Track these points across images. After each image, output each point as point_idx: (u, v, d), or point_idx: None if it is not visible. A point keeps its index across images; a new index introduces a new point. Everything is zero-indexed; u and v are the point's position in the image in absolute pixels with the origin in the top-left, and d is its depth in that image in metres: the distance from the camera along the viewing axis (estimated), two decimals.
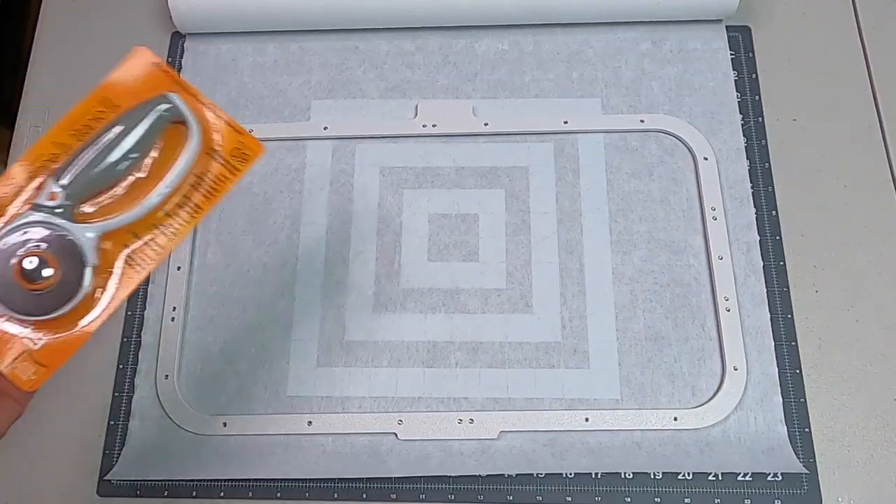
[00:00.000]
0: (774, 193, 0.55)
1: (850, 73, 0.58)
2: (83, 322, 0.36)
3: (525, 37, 0.60)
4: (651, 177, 0.55)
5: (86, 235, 0.36)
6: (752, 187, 0.55)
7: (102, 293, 0.37)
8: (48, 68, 0.62)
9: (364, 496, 0.48)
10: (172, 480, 0.49)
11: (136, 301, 0.53)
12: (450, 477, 0.48)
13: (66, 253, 0.36)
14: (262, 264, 0.54)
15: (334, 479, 0.48)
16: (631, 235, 0.54)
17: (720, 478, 0.48)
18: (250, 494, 0.49)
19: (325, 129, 0.57)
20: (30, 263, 0.35)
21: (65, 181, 0.36)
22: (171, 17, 0.58)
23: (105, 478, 0.49)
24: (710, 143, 0.56)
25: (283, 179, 0.56)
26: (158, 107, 0.37)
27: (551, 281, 0.53)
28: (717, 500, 0.47)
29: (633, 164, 0.56)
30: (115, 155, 0.37)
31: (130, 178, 0.37)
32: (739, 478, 0.48)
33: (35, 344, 0.36)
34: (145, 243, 0.37)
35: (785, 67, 0.59)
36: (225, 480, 0.49)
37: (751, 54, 0.59)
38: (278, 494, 0.49)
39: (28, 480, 0.50)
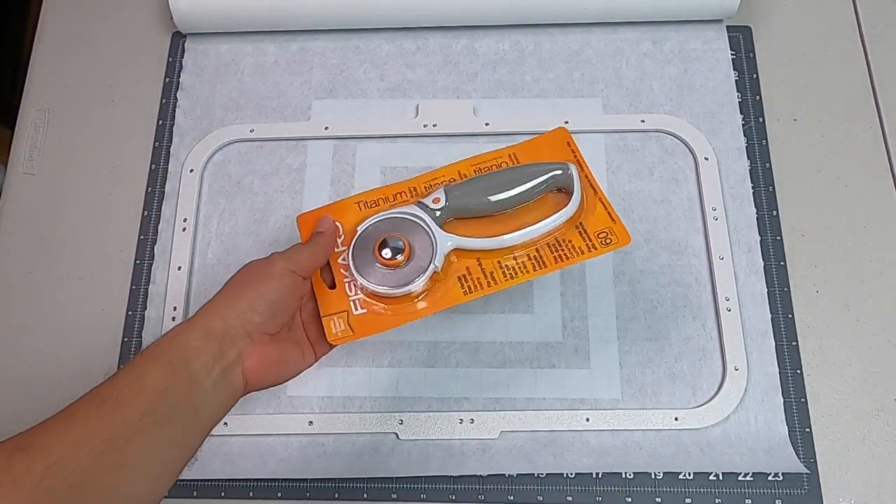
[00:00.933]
0: (775, 193, 0.55)
1: (850, 73, 0.58)
2: (397, 315, 0.41)
3: (526, 37, 0.60)
4: (652, 177, 0.55)
5: (445, 243, 0.41)
6: (752, 187, 0.55)
7: (425, 297, 0.41)
8: (48, 68, 0.62)
9: (365, 496, 0.48)
10: None
11: (137, 301, 0.53)
12: (450, 477, 0.48)
13: (421, 249, 0.41)
14: None
15: (335, 479, 0.48)
16: (632, 235, 0.53)
17: (721, 478, 0.48)
18: (250, 494, 0.49)
19: (326, 128, 0.57)
20: (393, 245, 0.41)
21: (450, 193, 0.42)
22: (171, 17, 0.58)
23: None
24: (711, 142, 0.56)
25: (284, 179, 0.56)
26: (555, 170, 0.43)
27: (552, 281, 0.52)
28: (717, 500, 0.47)
29: (634, 164, 0.56)
30: (498, 191, 0.42)
31: (501, 216, 0.43)
32: (740, 478, 0.48)
33: (355, 310, 0.42)
34: (483, 273, 0.41)
35: (785, 67, 0.59)
36: (225, 480, 0.49)
37: (751, 54, 0.59)
38: (279, 494, 0.49)
39: None
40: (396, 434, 0.49)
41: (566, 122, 0.56)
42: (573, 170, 0.43)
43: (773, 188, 0.55)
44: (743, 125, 0.57)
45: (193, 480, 0.49)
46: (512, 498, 0.48)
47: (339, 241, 0.44)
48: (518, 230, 0.42)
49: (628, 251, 0.53)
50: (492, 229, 0.42)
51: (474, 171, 0.45)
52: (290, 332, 0.42)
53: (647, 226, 0.54)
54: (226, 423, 0.49)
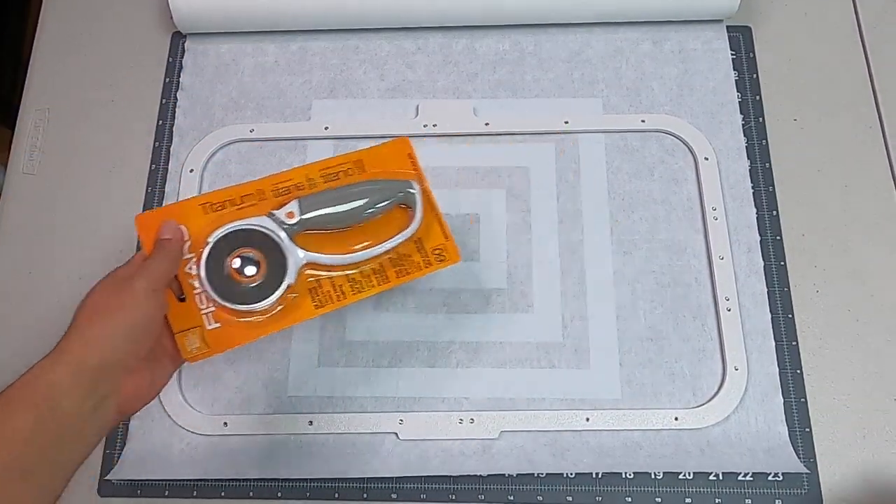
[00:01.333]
0: (775, 193, 0.55)
1: (850, 73, 0.58)
2: (252, 328, 0.41)
3: (526, 37, 0.60)
4: (652, 177, 0.55)
5: (297, 255, 0.42)
6: (752, 187, 0.55)
7: (278, 310, 0.42)
8: (48, 68, 0.62)
9: (365, 496, 0.48)
10: (172, 480, 0.49)
11: None
12: (451, 477, 0.48)
13: (274, 263, 0.41)
14: None
15: (335, 479, 0.48)
16: (632, 235, 0.54)
17: (721, 478, 0.48)
18: (250, 494, 0.49)
19: (326, 128, 0.57)
20: (247, 262, 0.41)
21: (303, 208, 0.42)
22: (171, 17, 0.58)
23: (106, 478, 0.49)
24: (711, 142, 0.56)
25: None
26: (404, 188, 0.44)
27: (552, 281, 0.52)
28: (717, 500, 0.47)
29: (634, 164, 0.56)
30: (352, 206, 0.43)
31: (350, 230, 0.44)
32: (740, 478, 0.48)
33: (209, 324, 0.41)
34: (333, 286, 0.43)
35: (785, 67, 0.59)
36: (225, 480, 0.49)
37: (751, 54, 0.59)
38: (279, 494, 0.49)
39: None
40: (396, 434, 0.49)
41: (566, 122, 0.57)
42: (417, 189, 0.44)
43: (773, 188, 0.55)
44: (743, 125, 0.57)
45: (193, 480, 0.49)
46: (512, 498, 0.48)
47: (185, 247, 0.42)
48: (366, 246, 0.43)
49: (628, 251, 0.53)
50: (340, 243, 0.43)
51: (322, 178, 0.45)
52: (152, 350, 0.40)
53: (647, 226, 0.54)
54: (226, 424, 0.49)
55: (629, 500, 0.47)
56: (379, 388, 0.50)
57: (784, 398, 0.49)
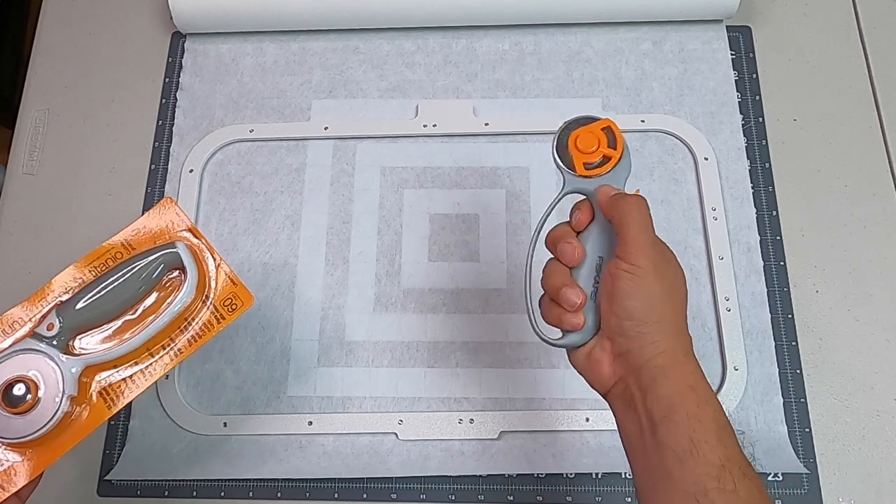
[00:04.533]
0: (775, 193, 0.55)
1: (850, 73, 0.58)
2: (50, 450, 0.38)
3: (525, 37, 0.60)
4: (651, 177, 0.55)
5: (70, 369, 0.39)
6: (752, 187, 0.55)
7: (72, 422, 0.39)
8: (48, 68, 0.62)
9: (364, 496, 0.48)
10: (172, 480, 0.49)
11: None
12: (450, 477, 0.48)
13: (49, 381, 0.39)
14: (262, 264, 0.54)
15: (335, 479, 0.48)
16: None
17: None
18: (250, 494, 0.49)
19: (326, 129, 0.57)
20: (18, 390, 0.38)
21: (63, 315, 0.39)
22: (171, 17, 0.58)
23: (105, 478, 0.49)
24: (711, 143, 0.56)
25: (284, 179, 0.56)
26: (162, 254, 0.40)
27: None
28: None
29: (634, 164, 0.55)
30: (113, 294, 0.40)
31: (122, 318, 0.40)
32: None
33: (2, 466, 0.38)
34: (122, 380, 0.40)
35: (785, 67, 0.59)
36: (225, 480, 0.49)
37: (751, 54, 0.59)
38: (278, 494, 0.49)
39: None
40: (396, 434, 0.49)
41: None
42: (180, 248, 0.40)
43: (773, 188, 0.55)
44: (743, 125, 0.57)
45: (193, 480, 0.49)
46: (512, 498, 0.48)
47: None
48: (141, 329, 0.40)
49: None
50: (120, 332, 0.40)
51: (91, 272, 0.41)
52: None
53: None
54: (225, 424, 0.49)
55: (629, 500, 0.47)
56: (378, 388, 0.50)
57: (784, 398, 0.49)
